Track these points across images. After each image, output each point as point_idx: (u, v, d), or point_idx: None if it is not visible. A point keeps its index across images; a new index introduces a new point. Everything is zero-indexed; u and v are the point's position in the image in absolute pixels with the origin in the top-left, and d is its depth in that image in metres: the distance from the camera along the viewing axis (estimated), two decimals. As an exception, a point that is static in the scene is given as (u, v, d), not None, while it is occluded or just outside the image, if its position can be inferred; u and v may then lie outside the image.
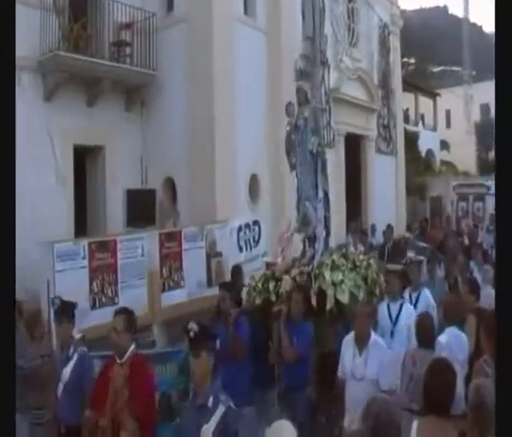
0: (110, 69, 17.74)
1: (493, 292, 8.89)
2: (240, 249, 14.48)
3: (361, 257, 11.16)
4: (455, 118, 52.38)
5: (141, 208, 18.34)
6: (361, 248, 17.69)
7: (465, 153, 45.79)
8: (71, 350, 7.46)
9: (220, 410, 5.37)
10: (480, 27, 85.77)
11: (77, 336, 8.64)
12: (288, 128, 11.01)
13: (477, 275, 12.71)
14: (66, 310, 7.86)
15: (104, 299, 11.94)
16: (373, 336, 7.94)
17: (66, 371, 7.28)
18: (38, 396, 8.37)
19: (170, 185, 18.92)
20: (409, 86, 41.28)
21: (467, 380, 7.03)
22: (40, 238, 12.02)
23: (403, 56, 37.12)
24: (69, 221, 16.81)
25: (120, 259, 12.31)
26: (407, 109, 41.43)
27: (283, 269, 10.35)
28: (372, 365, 7.62)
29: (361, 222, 24.20)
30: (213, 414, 5.35)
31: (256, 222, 14.94)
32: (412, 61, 73.07)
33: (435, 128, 47.73)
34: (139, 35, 18.65)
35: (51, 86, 16.61)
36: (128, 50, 18.69)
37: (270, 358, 9.21)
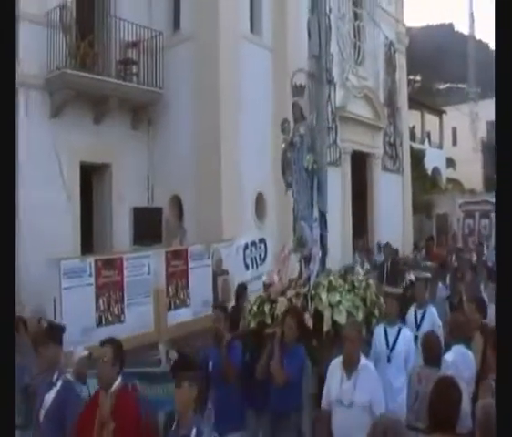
0: (117, 87, 17.81)
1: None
2: (247, 267, 14.44)
3: (359, 277, 10.94)
4: (461, 136, 52.30)
5: (148, 226, 18.36)
6: (367, 266, 17.59)
7: (471, 170, 45.70)
8: (55, 375, 6.98)
9: None
10: (486, 45, 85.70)
11: (84, 353, 8.63)
12: (283, 146, 10.71)
13: (483, 293, 12.62)
14: (52, 333, 7.66)
15: (110, 317, 11.95)
16: (363, 360, 7.32)
17: (49, 398, 6.84)
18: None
19: (177, 203, 18.94)
20: (415, 103, 41.29)
21: (474, 398, 7.01)
22: (47, 256, 12.03)
23: (409, 74, 37.13)
24: (76, 238, 16.84)
25: (127, 277, 12.31)
26: (413, 127, 41.40)
27: (279, 291, 9.99)
28: (362, 390, 7.00)
29: (367, 240, 24.15)
30: None
31: (262, 240, 14.91)
32: (418, 79, 73.02)
33: (441, 146, 47.66)
34: (146, 53, 18.73)
35: (58, 104, 16.68)
36: (134, 68, 18.76)
37: (257, 373, 8.69)
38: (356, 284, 10.10)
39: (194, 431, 5.29)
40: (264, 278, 12.00)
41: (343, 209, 23.02)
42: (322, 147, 12.26)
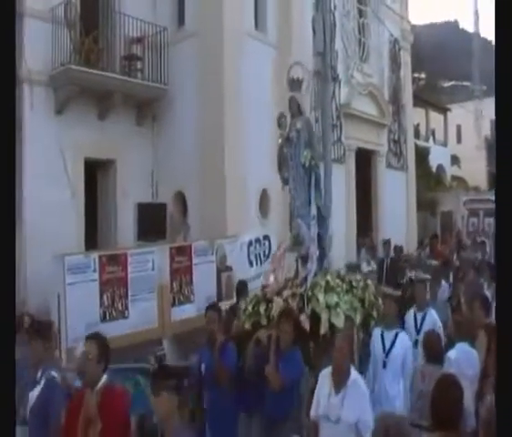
0: (121, 83, 17.81)
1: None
2: (251, 264, 14.46)
3: (358, 277, 10.58)
4: (465, 133, 52.30)
5: (152, 222, 18.38)
6: (373, 265, 17.57)
7: (475, 168, 45.68)
8: (39, 373, 6.93)
9: None
10: (490, 42, 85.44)
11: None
12: (280, 141, 10.46)
13: (486, 291, 12.51)
14: (37, 330, 7.52)
15: (114, 313, 11.96)
16: (354, 373, 6.89)
17: (33, 396, 6.82)
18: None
19: (181, 199, 18.94)
20: (420, 101, 41.24)
21: (478, 396, 7.01)
22: (51, 251, 12.04)
23: (413, 72, 37.11)
24: (80, 234, 16.86)
25: (131, 273, 12.32)
26: (418, 124, 41.34)
27: (275, 291, 9.73)
28: (349, 407, 6.60)
29: (372, 238, 24.12)
30: None
31: (266, 237, 14.92)
32: (422, 76, 72.87)
33: (445, 143, 47.59)
34: (150, 49, 18.73)
35: (62, 100, 16.69)
36: (139, 64, 18.75)
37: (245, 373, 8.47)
38: (354, 284, 9.86)
39: None
40: (261, 278, 11.85)
41: (347, 207, 23.01)
42: (326, 144, 12.25)
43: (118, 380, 9.18)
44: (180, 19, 19.38)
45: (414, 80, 49.67)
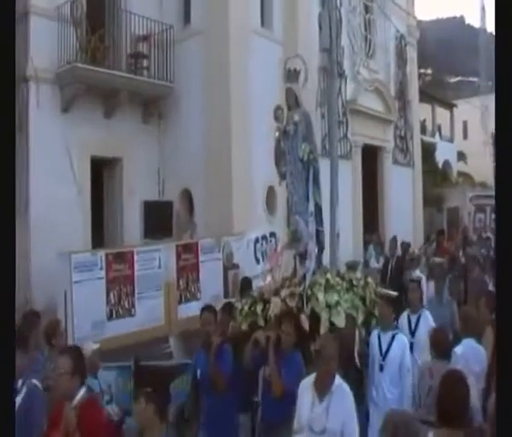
0: (127, 81, 17.80)
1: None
2: (257, 261, 14.46)
3: (358, 275, 10.28)
4: (472, 129, 52.14)
5: (158, 220, 18.39)
6: (382, 261, 17.50)
7: (482, 164, 45.48)
8: (19, 382, 6.59)
9: None
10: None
11: (95, 347, 8.65)
12: (277, 134, 10.15)
13: (493, 288, 12.37)
14: (16, 339, 7.24)
15: (121, 311, 12.01)
16: (337, 378, 6.41)
17: (16, 404, 6.28)
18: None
19: (187, 197, 18.94)
20: (426, 96, 41.16)
21: (486, 393, 6.99)
22: (57, 249, 12.08)
23: (419, 67, 37.05)
24: (86, 232, 16.87)
25: (137, 271, 12.37)
26: (424, 120, 41.26)
27: (273, 290, 9.38)
28: (335, 415, 6.17)
29: (379, 234, 24.03)
30: None
31: (273, 234, 14.91)
32: (429, 72, 72.82)
33: (451, 139, 47.52)
34: (157, 47, 18.72)
35: (69, 98, 16.69)
36: (145, 62, 18.75)
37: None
38: (355, 283, 9.60)
39: None
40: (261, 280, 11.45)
41: (353, 203, 22.99)
42: (332, 140, 12.22)
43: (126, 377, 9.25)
44: (186, 17, 19.37)
45: (421, 76, 49.55)
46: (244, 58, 17.97)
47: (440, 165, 41.64)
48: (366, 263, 18.55)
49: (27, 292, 14.56)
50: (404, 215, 26.59)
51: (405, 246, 19.55)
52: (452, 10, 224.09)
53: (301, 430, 6.42)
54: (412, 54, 29.53)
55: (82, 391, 5.76)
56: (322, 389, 6.33)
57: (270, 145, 17.96)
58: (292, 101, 10.11)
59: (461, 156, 47.79)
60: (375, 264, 18.03)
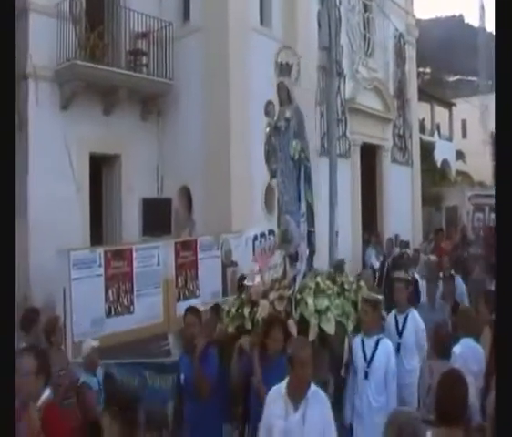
0: (127, 78, 17.80)
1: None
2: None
3: (350, 279, 9.72)
4: (470, 128, 52.17)
5: (157, 217, 18.39)
6: (381, 259, 17.51)
7: (480, 163, 45.53)
8: None
9: None
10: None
11: (94, 344, 8.66)
12: (267, 130, 9.79)
13: (492, 287, 12.24)
14: None
15: (119, 308, 12.02)
16: (313, 386, 6.02)
17: None
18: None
19: (186, 194, 18.94)
20: (425, 95, 41.17)
21: (485, 392, 7.00)
22: (56, 246, 12.07)
23: (418, 66, 37.02)
24: (85, 229, 16.88)
25: (136, 268, 12.38)
26: (423, 119, 41.27)
27: (261, 292, 8.91)
28: (312, 421, 5.83)
29: (378, 234, 24.02)
30: None
31: (272, 232, 14.84)
32: (427, 71, 72.80)
33: (450, 138, 47.52)
34: (156, 44, 18.72)
35: (68, 95, 16.69)
36: (144, 59, 18.74)
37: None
38: (347, 287, 9.17)
39: None
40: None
41: (352, 201, 22.99)
42: (331, 139, 12.22)
43: (125, 375, 9.24)
44: (186, 14, 19.37)
45: (420, 75, 49.59)
46: (243, 56, 17.96)
47: (439, 164, 41.66)
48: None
49: (26, 289, 14.56)
50: (402, 214, 26.60)
51: (403, 245, 19.54)
52: (451, 9, 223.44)
53: None
54: (411, 52, 29.53)
55: (47, 392, 5.57)
56: (296, 396, 5.95)
57: (269, 143, 18.05)
58: (284, 96, 9.90)
59: (460, 155, 47.81)
60: (376, 264, 18.05)
